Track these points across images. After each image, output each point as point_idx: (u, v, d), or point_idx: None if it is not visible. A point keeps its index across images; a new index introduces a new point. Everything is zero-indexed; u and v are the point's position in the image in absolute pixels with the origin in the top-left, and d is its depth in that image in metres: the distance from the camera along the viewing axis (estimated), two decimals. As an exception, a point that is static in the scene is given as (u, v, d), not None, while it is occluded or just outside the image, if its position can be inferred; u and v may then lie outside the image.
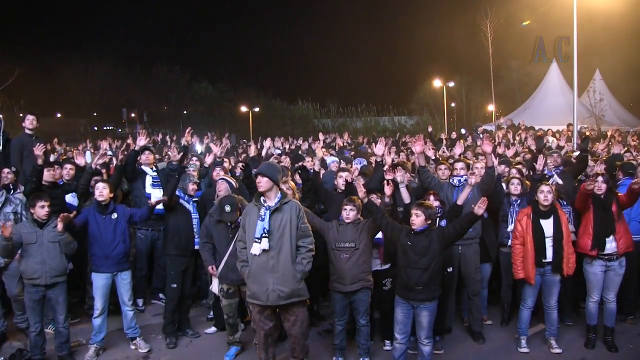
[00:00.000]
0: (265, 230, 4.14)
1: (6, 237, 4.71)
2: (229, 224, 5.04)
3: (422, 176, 5.58)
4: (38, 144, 5.77)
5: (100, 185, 5.24)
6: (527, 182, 5.93)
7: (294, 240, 4.23)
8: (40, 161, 5.54)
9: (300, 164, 7.26)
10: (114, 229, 5.19)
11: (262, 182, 4.21)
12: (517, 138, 12.79)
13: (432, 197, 5.17)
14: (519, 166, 6.46)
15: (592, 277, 5.17)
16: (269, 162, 4.94)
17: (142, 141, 6.39)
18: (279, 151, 11.80)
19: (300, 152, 11.10)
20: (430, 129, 15.55)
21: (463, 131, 16.55)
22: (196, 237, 5.59)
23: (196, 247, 5.56)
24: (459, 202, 4.91)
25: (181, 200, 5.65)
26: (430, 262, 4.35)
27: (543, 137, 11.62)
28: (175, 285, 5.53)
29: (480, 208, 4.33)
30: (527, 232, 5.04)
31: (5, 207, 5.41)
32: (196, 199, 6.33)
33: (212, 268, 5.16)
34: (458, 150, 7.69)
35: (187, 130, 7.06)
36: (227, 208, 4.95)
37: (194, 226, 5.62)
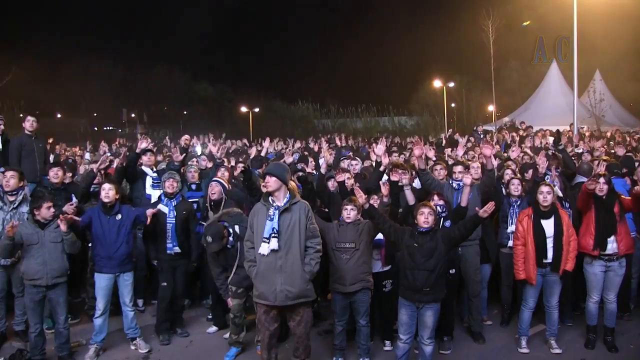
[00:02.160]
0: (275, 230, 4.11)
1: (10, 236, 4.71)
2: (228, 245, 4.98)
3: (422, 179, 5.60)
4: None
5: (106, 186, 5.22)
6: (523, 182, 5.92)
7: (303, 240, 4.21)
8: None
9: (301, 165, 7.28)
10: (118, 230, 5.19)
11: (271, 182, 4.17)
12: (517, 138, 12.75)
13: (435, 197, 5.17)
14: (513, 167, 6.44)
15: (592, 277, 5.17)
16: (277, 162, 4.93)
17: (143, 144, 6.42)
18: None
19: (298, 153, 11.08)
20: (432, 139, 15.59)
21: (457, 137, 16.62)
22: (168, 240, 5.51)
23: (168, 251, 5.52)
24: (463, 203, 4.93)
25: (160, 204, 5.58)
26: (437, 264, 4.35)
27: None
28: (165, 284, 5.56)
29: (485, 212, 4.34)
30: (528, 232, 5.04)
31: (21, 207, 5.41)
32: (195, 200, 6.33)
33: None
34: (460, 151, 7.69)
35: (183, 137, 7.00)
36: (209, 239, 4.79)
37: (167, 230, 5.52)
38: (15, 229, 4.73)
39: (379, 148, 5.88)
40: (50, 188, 5.84)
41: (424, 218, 4.38)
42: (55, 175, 5.86)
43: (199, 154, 8.80)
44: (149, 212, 5.27)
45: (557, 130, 10.99)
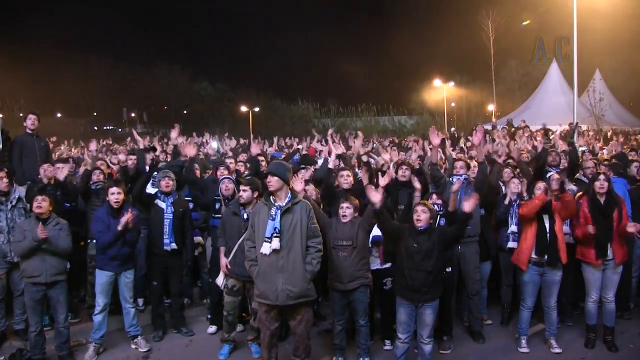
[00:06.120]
0: (277, 230, 4.11)
1: (41, 239, 4.68)
2: (244, 216, 4.97)
3: (433, 172, 5.59)
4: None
5: (114, 189, 5.18)
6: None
7: (304, 240, 4.20)
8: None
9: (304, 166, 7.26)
10: (125, 232, 5.17)
11: (272, 182, 4.18)
12: (518, 139, 12.72)
13: (434, 196, 5.17)
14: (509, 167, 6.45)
15: (591, 275, 5.17)
16: (279, 162, 4.91)
17: (140, 144, 6.46)
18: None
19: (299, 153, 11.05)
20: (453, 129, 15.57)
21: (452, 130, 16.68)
22: (165, 236, 5.49)
23: (164, 247, 5.49)
24: (450, 208, 4.94)
25: (157, 200, 5.58)
26: (435, 264, 4.36)
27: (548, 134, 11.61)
28: (155, 283, 5.60)
29: (467, 206, 4.32)
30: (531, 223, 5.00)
31: (17, 205, 5.40)
32: (189, 198, 6.31)
33: (226, 264, 5.08)
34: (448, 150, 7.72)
35: (174, 128, 6.84)
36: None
37: (165, 226, 5.52)
38: (44, 234, 4.69)
39: (357, 140, 5.87)
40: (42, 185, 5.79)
41: (417, 216, 4.38)
42: (44, 172, 5.78)
43: (216, 149, 8.79)
44: (123, 220, 5.08)
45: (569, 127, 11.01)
